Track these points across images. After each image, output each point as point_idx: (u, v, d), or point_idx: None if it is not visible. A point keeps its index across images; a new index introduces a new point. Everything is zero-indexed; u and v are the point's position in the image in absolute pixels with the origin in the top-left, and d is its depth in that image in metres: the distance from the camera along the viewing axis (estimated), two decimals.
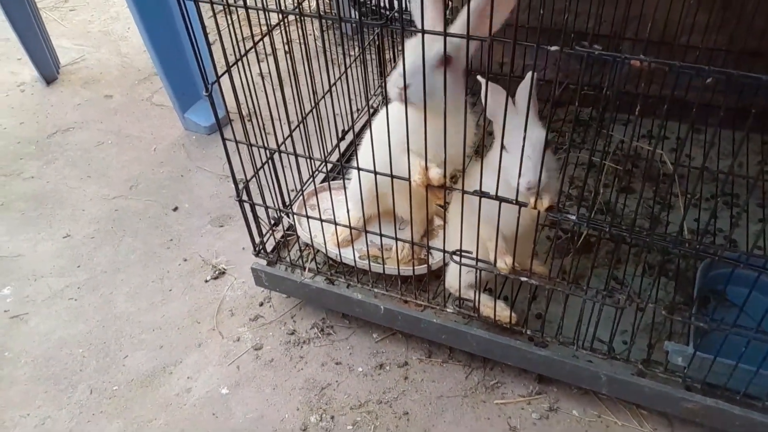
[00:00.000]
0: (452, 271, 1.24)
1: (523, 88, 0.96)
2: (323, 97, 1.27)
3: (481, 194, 1.00)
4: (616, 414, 1.21)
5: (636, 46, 1.56)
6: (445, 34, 0.86)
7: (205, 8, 1.04)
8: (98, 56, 2.46)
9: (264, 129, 1.19)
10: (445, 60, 0.91)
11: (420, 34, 0.89)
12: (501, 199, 0.99)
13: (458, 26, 0.96)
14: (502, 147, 0.98)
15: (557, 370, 1.17)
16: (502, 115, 0.91)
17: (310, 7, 2.03)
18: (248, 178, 1.26)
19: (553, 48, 0.79)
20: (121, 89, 2.27)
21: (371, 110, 1.32)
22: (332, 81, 1.28)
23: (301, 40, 1.13)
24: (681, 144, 1.60)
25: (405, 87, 0.94)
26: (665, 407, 1.12)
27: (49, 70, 2.29)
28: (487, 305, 1.22)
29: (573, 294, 1.09)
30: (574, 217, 0.97)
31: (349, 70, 1.42)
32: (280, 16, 1.06)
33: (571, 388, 1.25)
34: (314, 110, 1.26)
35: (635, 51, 1.64)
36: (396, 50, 1.71)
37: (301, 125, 1.26)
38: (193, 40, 1.05)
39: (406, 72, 0.93)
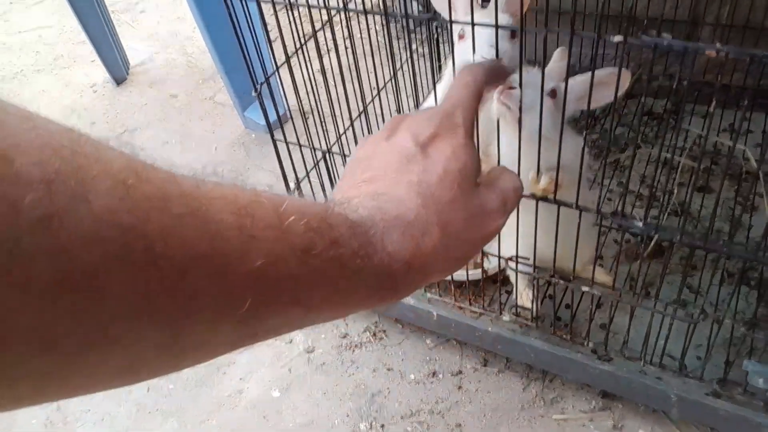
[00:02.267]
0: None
1: None
2: (374, 97, 1.23)
3: (539, 198, 0.94)
4: None
5: (717, 31, 1.44)
6: (497, 27, 0.80)
7: (266, 7, 1.03)
8: (165, 57, 2.53)
9: (318, 128, 1.17)
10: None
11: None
12: (560, 203, 0.92)
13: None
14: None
15: (622, 387, 1.09)
16: None
17: (372, 2, 2.00)
18: (300, 178, 1.24)
19: (616, 38, 0.72)
20: (185, 89, 2.32)
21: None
22: (384, 80, 1.23)
23: (357, 37, 1.10)
24: (767, 138, 1.45)
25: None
26: None
27: (119, 71, 2.37)
28: (521, 294, 1.16)
29: (640, 306, 1.00)
30: (640, 224, 0.88)
31: (403, 68, 1.37)
32: (329, 13, 1.03)
33: (637, 406, 1.16)
34: (367, 109, 1.23)
35: (716, 37, 1.51)
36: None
37: (354, 124, 1.22)
38: (242, 41, 1.04)
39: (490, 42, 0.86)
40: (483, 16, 0.88)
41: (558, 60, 0.99)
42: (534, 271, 1.05)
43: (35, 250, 0.20)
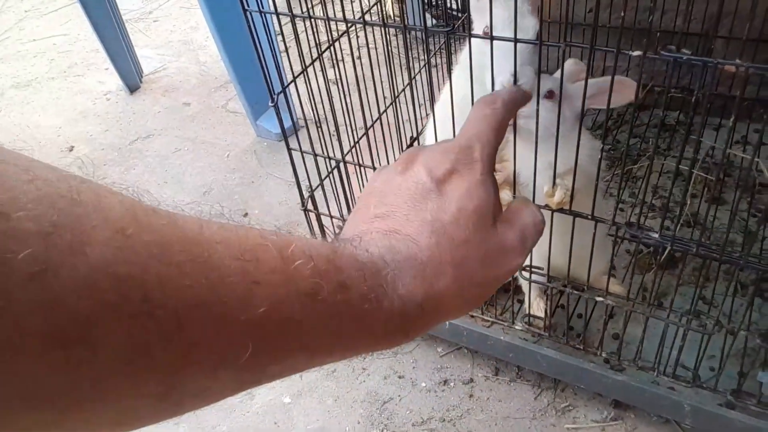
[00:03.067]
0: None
1: None
2: (389, 106, 1.25)
3: (555, 210, 0.94)
4: None
5: (730, 44, 1.44)
6: (516, 41, 0.81)
7: (283, 17, 1.04)
8: (178, 65, 2.55)
9: (332, 137, 1.18)
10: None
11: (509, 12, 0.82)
12: (575, 214, 0.92)
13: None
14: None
15: (635, 397, 1.09)
16: None
17: (384, 12, 2.01)
18: (314, 187, 1.25)
19: (636, 53, 0.73)
20: (198, 97, 2.34)
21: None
22: (399, 89, 1.25)
23: (372, 46, 1.11)
24: None
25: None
26: None
27: (132, 79, 2.39)
28: (533, 303, 1.16)
29: (654, 316, 1.00)
30: (656, 236, 0.89)
31: (421, 76, 1.38)
32: (347, 26, 1.04)
33: (650, 416, 1.16)
34: (380, 118, 1.24)
35: (729, 50, 1.52)
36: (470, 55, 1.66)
37: (368, 134, 1.23)
38: (260, 51, 1.05)
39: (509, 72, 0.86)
40: (502, 3, 0.86)
41: (567, 67, 0.99)
42: (548, 281, 1.06)
43: (28, 304, 0.20)
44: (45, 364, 0.20)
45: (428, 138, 1.23)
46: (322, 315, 0.30)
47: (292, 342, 0.29)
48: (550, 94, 0.91)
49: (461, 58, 1.05)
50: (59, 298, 0.20)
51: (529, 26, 0.86)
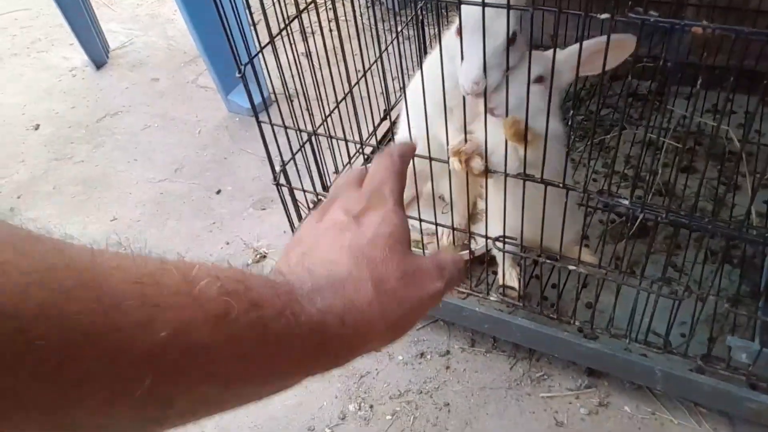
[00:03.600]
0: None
1: None
2: (360, 78, 1.22)
3: (525, 177, 0.94)
4: (672, 411, 1.13)
5: (701, 12, 1.44)
6: (484, 5, 0.79)
7: None
8: (145, 39, 2.48)
9: (304, 111, 1.15)
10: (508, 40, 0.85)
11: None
12: (547, 183, 0.92)
13: None
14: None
15: (608, 364, 1.10)
16: None
17: None
18: (286, 161, 1.23)
19: (604, 16, 0.72)
20: (167, 72, 2.28)
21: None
22: (370, 62, 1.22)
23: (343, 18, 1.09)
24: (750, 119, 1.47)
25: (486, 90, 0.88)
26: (726, 406, 1.04)
27: (98, 54, 2.32)
28: (508, 273, 1.17)
29: (626, 284, 1.01)
30: (626, 202, 0.89)
31: (390, 49, 1.36)
32: None
33: (623, 383, 1.17)
34: (351, 92, 1.22)
35: (700, 17, 1.51)
36: (440, 27, 1.63)
37: (339, 107, 1.21)
38: (225, 22, 1.02)
39: (475, 78, 0.87)
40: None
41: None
42: (521, 251, 1.06)
43: None
44: None
45: (401, 127, 1.23)
46: (232, 338, 0.28)
47: (200, 370, 0.27)
48: (539, 79, 0.91)
49: (434, 51, 1.05)
50: None
51: (500, 29, 0.85)
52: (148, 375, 0.24)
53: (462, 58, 0.88)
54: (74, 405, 0.23)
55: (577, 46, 0.90)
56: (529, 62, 0.88)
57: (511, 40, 0.88)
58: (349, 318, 0.34)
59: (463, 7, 0.84)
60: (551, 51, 0.83)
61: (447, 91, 0.94)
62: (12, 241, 0.22)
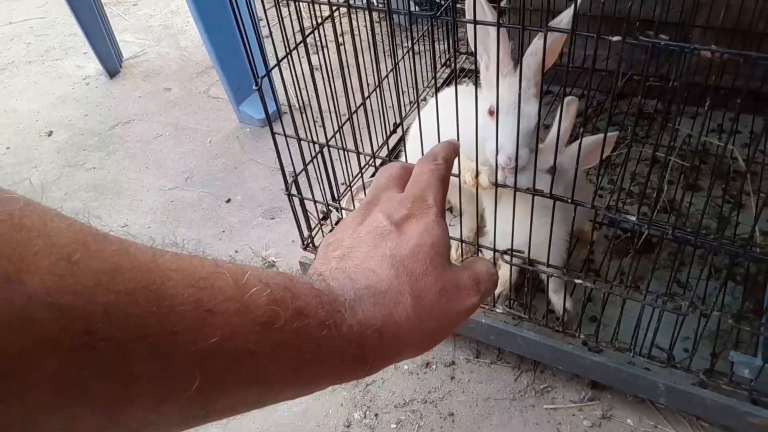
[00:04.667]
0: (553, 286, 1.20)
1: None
2: (372, 91, 1.25)
3: (534, 192, 0.96)
4: (674, 425, 1.14)
5: (707, 34, 1.47)
6: (499, 25, 0.82)
7: (260, 2, 1.04)
8: (158, 50, 2.52)
9: (316, 122, 1.18)
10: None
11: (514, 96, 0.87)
12: (555, 198, 0.94)
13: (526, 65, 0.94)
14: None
15: (612, 377, 1.12)
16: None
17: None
18: (297, 171, 1.25)
19: (615, 38, 0.74)
20: (179, 82, 2.32)
21: (420, 104, 1.29)
22: (383, 75, 1.25)
23: (356, 32, 1.11)
24: (755, 139, 1.49)
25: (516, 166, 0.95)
26: (728, 421, 1.05)
27: (112, 63, 2.36)
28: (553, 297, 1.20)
29: (631, 298, 1.03)
30: (633, 218, 0.91)
31: (400, 64, 1.39)
32: (331, 9, 1.04)
33: (626, 396, 1.19)
34: (364, 104, 1.24)
35: (706, 39, 1.55)
36: (449, 42, 1.67)
37: (352, 119, 1.24)
38: (244, 35, 1.05)
39: (509, 154, 0.94)
40: (509, 84, 0.92)
41: (564, 117, 1.02)
42: (528, 264, 1.08)
43: None
44: None
45: (411, 142, 1.26)
46: (278, 345, 0.29)
47: (245, 374, 0.28)
48: (550, 170, 0.99)
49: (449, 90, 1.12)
50: None
51: (532, 112, 0.91)
52: (198, 377, 0.25)
53: (497, 137, 0.94)
54: (129, 402, 0.24)
55: (576, 144, 0.96)
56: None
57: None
58: (387, 331, 0.35)
59: (499, 90, 0.88)
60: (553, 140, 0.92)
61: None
62: (83, 240, 0.23)
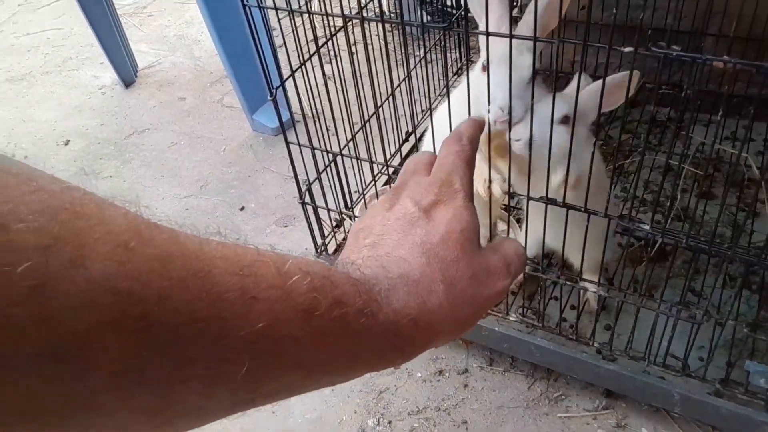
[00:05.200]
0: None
1: None
2: (385, 100, 1.26)
3: (548, 201, 0.97)
4: None
5: (719, 42, 1.47)
6: (511, 36, 0.83)
7: (275, 12, 1.06)
8: (173, 60, 2.55)
9: (328, 131, 1.19)
10: (534, 75, 0.89)
11: (506, 48, 0.85)
12: (569, 207, 0.95)
13: (524, 27, 0.92)
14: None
15: (626, 386, 1.11)
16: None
17: (374, 9, 2.03)
18: (311, 180, 1.26)
19: (627, 49, 0.75)
20: (193, 92, 2.35)
21: (432, 113, 1.30)
22: (395, 84, 1.26)
23: (367, 42, 1.13)
24: None
25: (510, 119, 0.90)
26: (744, 430, 1.04)
27: (127, 73, 2.39)
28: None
29: (645, 307, 1.03)
30: (647, 227, 0.91)
31: (412, 73, 1.40)
32: (345, 21, 1.06)
33: (640, 405, 1.18)
34: (377, 113, 1.25)
35: (718, 48, 1.54)
36: (460, 51, 1.68)
37: (366, 127, 1.25)
38: (259, 46, 1.06)
39: (502, 103, 0.89)
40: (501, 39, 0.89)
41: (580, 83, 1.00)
42: (542, 272, 1.08)
43: (25, 320, 0.19)
44: (39, 380, 0.20)
45: (426, 146, 1.26)
46: (318, 332, 0.30)
47: (288, 359, 0.29)
48: (565, 119, 0.93)
49: (461, 85, 1.08)
50: (57, 313, 0.20)
51: (525, 63, 0.89)
52: (246, 361, 0.26)
53: (489, 91, 0.91)
54: (183, 384, 0.25)
55: (597, 83, 0.93)
56: (553, 101, 0.89)
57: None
58: (422, 320, 0.35)
59: (490, 42, 0.88)
60: (573, 89, 0.86)
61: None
62: (137, 228, 0.24)
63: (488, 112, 0.90)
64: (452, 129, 0.96)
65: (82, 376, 0.21)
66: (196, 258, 0.26)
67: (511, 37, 0.82)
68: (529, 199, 1.00)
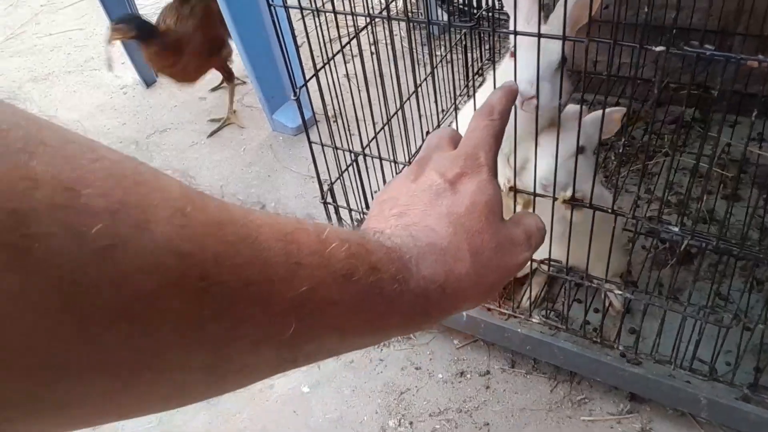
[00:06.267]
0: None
1: None
2: (408, 99, 1.26)
3: (573, 203, 0.96)
4: None
5: (746, 40, 1.45)
6: (539, 35, 0.82)
7: (294, 12, 1.06)
8: None
9: (349, 130, 1.19)
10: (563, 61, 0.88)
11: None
12: (595, 208, 0.94)
13: (555, 22, 0.91)
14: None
15: (651, 390, 1.10)
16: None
17: (397, 8, 2.02)
18: (333, 180, 1.26)
19: (659, 48, 0.74)
20: (214, 91, 2.36)
21: (457, 111, 1.30)
22: (418, 82, 1.26)
23: (388, 42, 1.13)
24: None
25: (537, 96, 0.89)
26: None
27: (148, 73, 2.41)
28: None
29: (672, 310, 1.02)
30: (676, 229, 0.90)
31: (435, 71, 1.39)
32: (372, 20, 1.06)
33: (665, 409, 1.17)
34: (399, 112, 1.25)
35: (746, 47, 1.52)
36: (482, 49, 1.67)
37: (387, 127, 1.25)
38: (283, 45, 1.07)
39: (530, 79, 0.88)
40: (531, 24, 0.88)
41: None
42: (566, 274, 1.07)
43: (99, 279, 0.20)
44: (112, 336, 0.21)
45: None
46: (355, 296, 0.31)
47: (328, 321, 0.30)
48: (581, 150, 0.95)
49: (487, 82, 1.08)
50: (127, 272, 0.21)
51: (554, 47, 0.88)
52: (293, 322, 0.28)
53: (515, 73, 0.90)
54: (235, 342, 0.26)
55: (594, 114, 0.94)
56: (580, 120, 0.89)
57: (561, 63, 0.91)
58: (449, 286, 0.37)
59: (519, 28, 0.86)
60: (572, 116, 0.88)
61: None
62: (190, 195, 0.25)
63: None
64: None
65: (150, 333, 0.22)
66: (244, 225, 0.27)
67: (539, 36, 0.82)
68: (554, 200, 0.99)
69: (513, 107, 0.47)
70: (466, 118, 1.08)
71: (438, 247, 0.37)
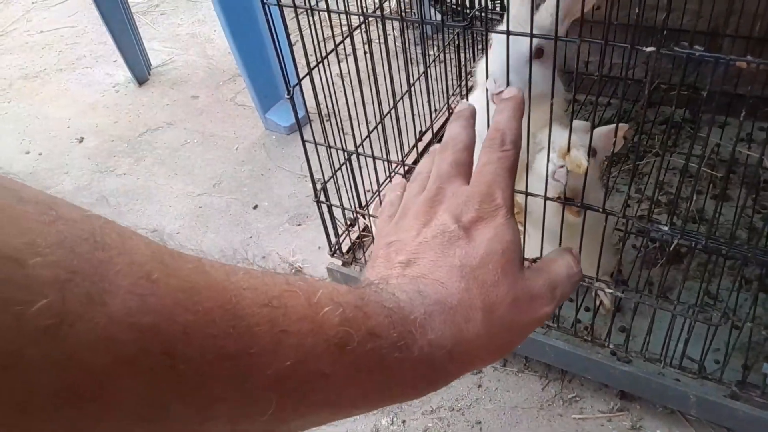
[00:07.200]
0: None
1: None
2: (401, 98, 1.26)
3: (565, 202, 0.96)
4: None
5: (736, 42, 1.46)
6: (531, 35, 0.83)
7: (287, 10, 1.06)
8: (186, 58, 2.56)
9: (342, 130, 1.20)
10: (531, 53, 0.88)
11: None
12: (586, 207, 0.95)
13: (545, 17, 0.92)
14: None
15: (641, 388, 1.11)
16: None
17: (390, 7, 2.03)
18: (326, 179, 1.27)
19: (649, 49, 0.75)
20: (206, 90, 2.36)
21: (450, 111, 1.30)
22: (411, 82, 1.27)
23: (381, 41, 1.13)
24: None
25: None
26: None
27: (141, 71, 2.41)
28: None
29: (661, 308, 1.03)
30: (666, 229, 0.91)
31: (428, 71, 1.40)
32: (361, 18, 1.06)
33: (655, 407, 1.18)
34: (392, 111, 1.26)
35: (735, 49, 1.53)
36: (475, 49, 1.68)
37: (380, 126, 1.25)
38: (277, 44, 1.07)
39: (495, 72, 0.89)
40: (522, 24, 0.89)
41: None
42: None
43: (39, 361, 0.18)
44: (55, 424, 0.19)
45: None
46: (350, 367, 0.28)
47: (318, 396, 0.27)
48: (593, 153, 0.97)
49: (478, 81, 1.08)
50: (74, 353, 0.19)
51: (523, 39, 0.86)
52: (274, 399, 0.25)
53: (486, 70, 0.90)
54: (208, 422, 0.24)
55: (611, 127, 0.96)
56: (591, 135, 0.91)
57: (537, 53, 0.91)
58: (457, 351, 0.34)
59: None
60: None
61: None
62: (161, 258, 0.23)
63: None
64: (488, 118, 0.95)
65: (102, 419, 0.20)
66: (223, 289, 0.25)
67: (531, 36, 0.82)
68: (546, 200, 1.00)
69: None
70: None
71: (447, 306, 0.34)
